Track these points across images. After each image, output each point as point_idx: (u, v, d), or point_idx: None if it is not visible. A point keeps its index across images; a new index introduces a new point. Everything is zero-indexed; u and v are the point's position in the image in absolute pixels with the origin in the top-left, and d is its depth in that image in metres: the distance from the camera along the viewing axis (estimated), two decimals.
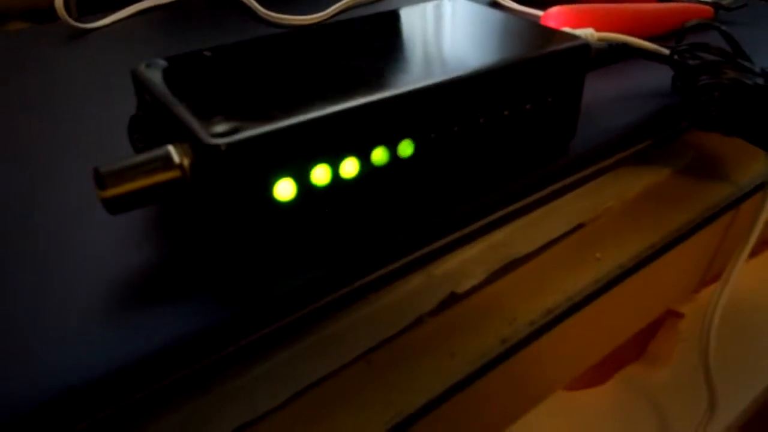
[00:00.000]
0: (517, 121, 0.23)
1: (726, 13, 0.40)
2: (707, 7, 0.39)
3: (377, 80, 0.20)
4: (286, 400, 0.20)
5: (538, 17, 0.36)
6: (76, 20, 0.40)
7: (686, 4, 0.38)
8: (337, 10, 0.42)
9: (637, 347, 0.43)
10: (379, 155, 0.20)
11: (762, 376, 0.41)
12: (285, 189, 0.19)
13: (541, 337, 0.24)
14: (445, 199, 0.24)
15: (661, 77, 0.31)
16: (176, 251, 0.21)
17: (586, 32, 0.29)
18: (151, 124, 0.21)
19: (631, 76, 0.31)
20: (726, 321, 0.35)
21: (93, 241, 0.21)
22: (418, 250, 0.24)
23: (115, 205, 0.19)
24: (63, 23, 0.40)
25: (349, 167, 0.20)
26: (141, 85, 0.21)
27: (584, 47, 0.23)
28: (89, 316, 0.19)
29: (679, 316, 0.44)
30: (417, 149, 0.21)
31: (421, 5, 0.28)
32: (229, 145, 0.18)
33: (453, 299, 0.24)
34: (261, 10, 0.41)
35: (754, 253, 0.50)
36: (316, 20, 0.41)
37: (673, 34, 0.34)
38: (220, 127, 0.18)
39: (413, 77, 0.21)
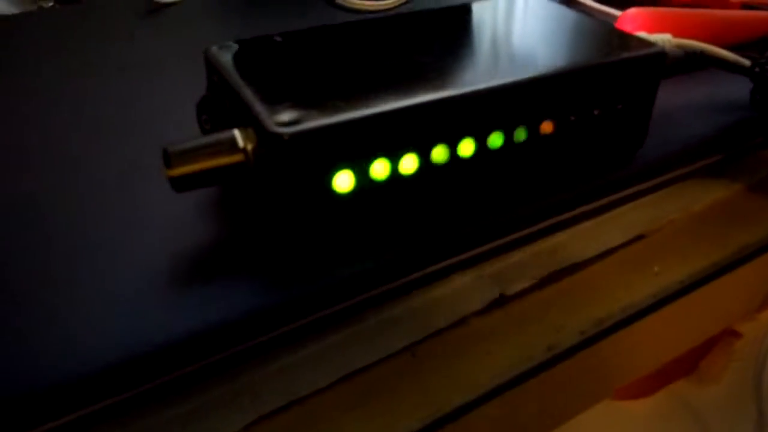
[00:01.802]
0: (583, 127, 0.23)
1: None
2: None
3: (441, 77, 0.20)
4: (330, 383, 0.21)
5: (615, 17, 0.35)
6: None
7: None
8: None
9: (689, 362, 0.42)
10: (439, 153, 0.20)
11: None
12: (344, 181, 0.19)
13: (590, 347, 0.24)
14: (502, 201, 0.24)
15: (740, 88, 0.30)
16: (236, 232, 0.22)
17: (663, 38, 0.27)
18: (218, 106, 0.22)
19: (708, 85, 0.30)
20: None
21: (158, 215, 0.22)
22: (471, 249, 0.24)
23: (180, 184, 0.19)
24: None
25: (409, 164, 0.20)
26: (212, 67, 0.22)
27: (659, 55, 0.22)
28: (149, 288, 0.20)
29: (736, 335, 0.42)
30: (477, 150, 0.21)
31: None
32: (292, 134, 0.18)
33: (502, 300, 0.24)
34: None
35: None
36: (387, 5, 0.41)
37: (757, 43, 0.32)
38: (285, 116, 0.18)
39: (477, 77, 0.20)
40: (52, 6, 0.46)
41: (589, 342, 0.24)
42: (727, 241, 0.28)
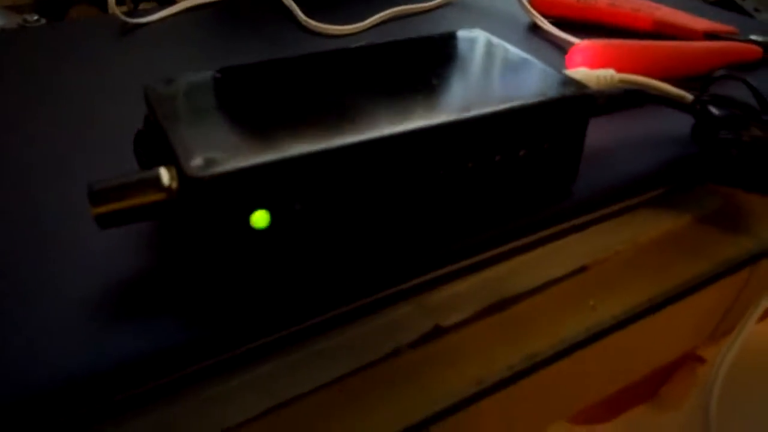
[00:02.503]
0: (509, 166, 0.23)
1: None
2: (756, 48, 0.37)
3: (364, 119, 0.21)
4: (257, 415, 0.21)
5: (572, 44, 0.36)
6: (130, 13, 0.42)
7: (733, 44, 0.36)
8: (377, 21, 0.43)
9: (651, 388, 0.42)
10: (360, 193, 0.21)
11: None
12: (262, 219, 0.20)
13: (520, 381, 0.24)
14: (431, 236, 0.24)
15: (684, 123, 0.30)
16: (163, 265, 0.22)
17: (606, 73, 0.28)
18: (151, 142, 0.22)
19: (652, 119, 0.30)
20: (741, 378, 0.34)
21: (89, 247, 0.23)
22: (403, 283, 0.24)
23: (104, 221, 0.20)
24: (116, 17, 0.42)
25: (328, 202, 0.20)
26: (148, 103, 0.22)
27: (584, 98, 0.23)
28: (79, 320, 0.20)
29: (700, 360, 0.42)
30: (399, 188, 0.21)
31: (443, 35, 0.28)
32: (210, 177, 0.18)
33: (437, 332, 0.25)
34: (301, 16, 0.42)
35: None
36: (353, 30, 0.42)
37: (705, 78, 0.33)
38: (202, 159, 0.19)
39: (399, 119, 0.21)
40: (36, 19, 0.47)
41: (518, 376, 0.24)
42: (669, 274, 0.28)
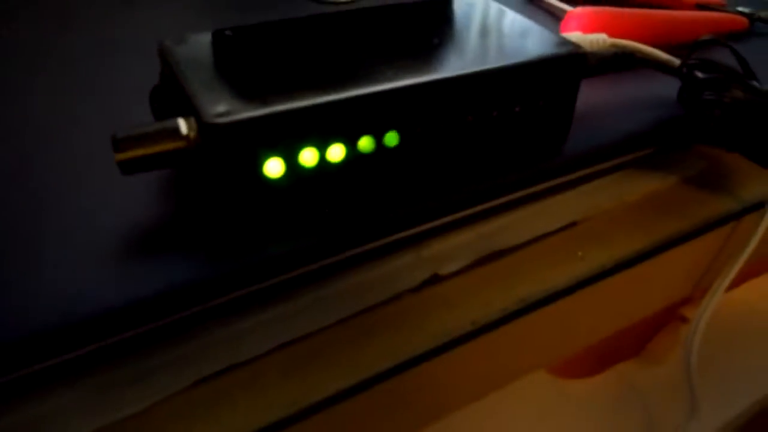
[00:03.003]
0: (506, 121, 0.25)
1: (762, 25, 0.39)
2: (742, 18, 0.38)
3: (369, 73, 0.22)
4: (268, 351, 0.23)
5: (565, 12, 0.37)
6: None
7: (720, 14, 0.38)
8: None
9: (637, 344, 0.44)
10: (365, 144, 0.22)
11: (748, 392, 0.41)
12: (274, 167, 0.21)
13: (511, 323, 0.26)
14: (429, 188, 0.26)
15: (671, 87, 0.31)
16: (181, 211, 0.24)
17: (598, 37, 0.29)
18: (168, 96, 0.23)
19: (641, 82, 0.32)
20: (721, 334, 0.36)
21: (110, 193, 0.24)
22: (403, 230, 0.26)
23: (127, 167, 0.21)
24: None
25: (336, 152, 0.22)
26: (164, 60, 0.24)
27: (577, 56, 0.24)
28: (97, 259, 0.22)
29: (683, 320, 0.44)
30: (402, 141, 0.23)
31: None
32: (225, 124, 0.20)
33: (435, 279, 0.26)
34: None
35: (760, 273, 0.49)
36: None
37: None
38: (220, 108, 0.20)
39: (402, 74, 0.22)
40: None
41: (510, 317, 0.26)
42: (653, 230, 0.30)
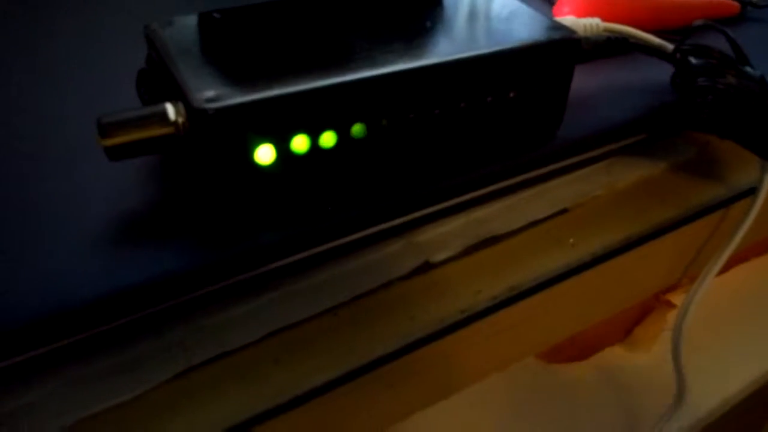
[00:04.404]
0: (500, 107, 0.24)
1: (754, 10, 0.39)
2: (734, 3, 0.38)
3: (360, 58, 0.22)
4: (259, 338, 0.23)
5: None
6: None
7: None
8: None
9: (624, 329, 0.45)
10: (357, 130, 0.22)
11: (735, 377, 0.42)
12: (265, 153, 0.21)
13: (501, 311, 0.26)
14: (421, 175, 0.25)
15: (664, 72, 0.31)
16: (170, 197, 0.23)
17: (592, 22, 0.29)
18: (155, 80, 0.23)
19: (634, 68, 0.31)
20: (709, 322, 0.36)
21: (96, 180, 0.24)
22: (395, 218, 0.25)
23: (114, 153, 0.21)
24: None
25: (328, 138, 0.22)
26: (151, 43, 0.23)
27: (571, 41, 0.24)
28: (87, 246, 0.21)
29: (669, 305, 0.45)
30: (393, 127, 0.22)
31: None
32: (216, 110, 0.19)
33: (426, 267, 0.26)
34: None
35: (756, 254, 0.50)
36: None
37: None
38: (210, 93, 0.20)
39: (396, 58, 0.22)
40: None
41: (500, 306, 0.26)
42: (644, 217, 0.30)
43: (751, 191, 0.31)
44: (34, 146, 0.26)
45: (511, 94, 0.24)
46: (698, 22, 0.28)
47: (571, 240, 0.28)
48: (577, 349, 0.42)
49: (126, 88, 0.25)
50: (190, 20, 0.24)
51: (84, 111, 0.27)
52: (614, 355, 0.42)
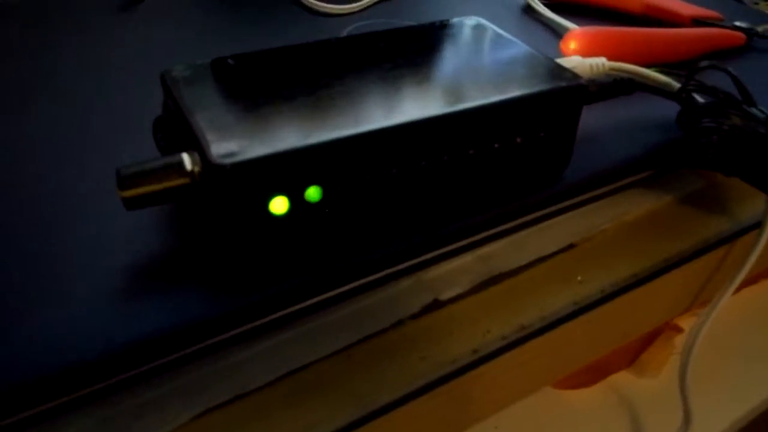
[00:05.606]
0: (508, 153, 0.25)
1: (760, 41, 0.40)
2: (739, 34, 0.38)
3: (375, 108, 0.22)
4: (274, 380, 0.23)
5: (566, 29, 0.37)
6: None
7: (717, 30, 0.38)
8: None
9: (631, 355, 0.45)
10: (371, 178, 0.22)
11: (741, 402, 0.42)
12: (280, 204, 0.21)
13: (512, 351, 0.26)
14: (431, 218, 0.26)
15: (670, 108, 0.32)
16: (187, 245, 0.24)
17: (598, 61, 0.29)
18: (172, 127, 0.23)
19: (640, 106, 0.32)
20: (715, 347, 0.36)
21: (110, 226, 0.24)
22: (405, 261, 0.26)
23: (131, 203, 0.21)
24: None
25: (342, 188, 0.22)
26: (167, 90, 0.24)
27: (578, 88, 0.24)
28: (106, 295, 0.22)
29: (677, 330, 0.45)
30: (403, 174, 0.23)
31: (445, 23, 0.29)
32: (233, 165, 0.20)
33: (435, 305, 0.27)
34: None
35: (765, 276, 0.50)
36: (353, 9, 0.43)
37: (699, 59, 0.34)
38: (227, 147, 0.20)
39: (404, 109, 0.22)
40: None
41: (511, 346, 0.26)
42: (651, 251, 0.30)
43: (758, 225, 0.32)
44: (48, 194, 0.26)
45: (518, 140, 0.24)
46: (704, 63, 0.29)
47: (579, 277, 0.28)
48: (584, 374, 0.42)
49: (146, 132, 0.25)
50: (206, 65, 0.25)
51: (100, 156, 0.28)
52: (622, 380, 0.43)
